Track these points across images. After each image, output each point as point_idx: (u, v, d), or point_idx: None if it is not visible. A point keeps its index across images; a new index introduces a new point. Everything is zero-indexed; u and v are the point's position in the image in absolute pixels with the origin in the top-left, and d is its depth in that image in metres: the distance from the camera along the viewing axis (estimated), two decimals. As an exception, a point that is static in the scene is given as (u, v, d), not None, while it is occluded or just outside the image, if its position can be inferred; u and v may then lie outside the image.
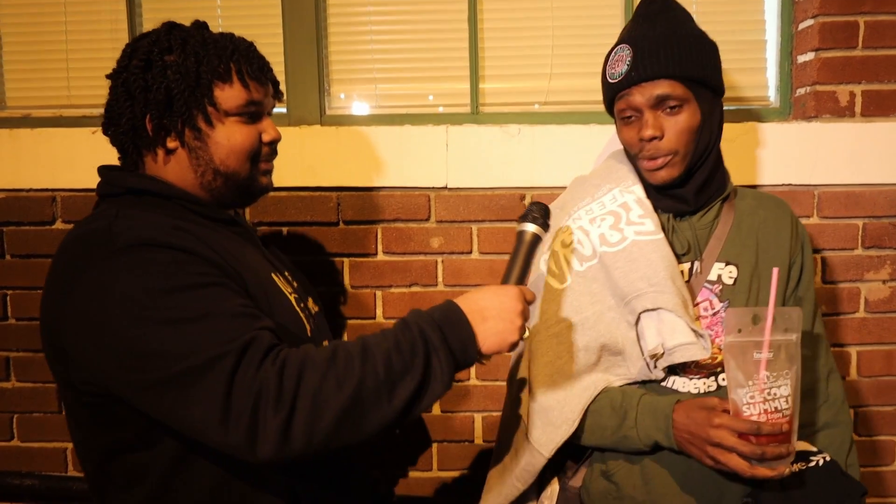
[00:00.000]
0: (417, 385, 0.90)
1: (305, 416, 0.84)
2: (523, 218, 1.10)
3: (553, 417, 1.19)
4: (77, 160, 1.66)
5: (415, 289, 1.70)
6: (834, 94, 1.65)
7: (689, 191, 1.22)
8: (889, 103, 1.64)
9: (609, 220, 1.22)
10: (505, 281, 1.06)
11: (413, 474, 1.74)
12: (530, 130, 1.64)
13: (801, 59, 1.70)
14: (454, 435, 1.72)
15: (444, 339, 0.93)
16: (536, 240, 1.09)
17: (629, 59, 1.16)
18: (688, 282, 1.21)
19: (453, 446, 1.73)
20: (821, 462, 1.15)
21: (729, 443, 1.02)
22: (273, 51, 1.13)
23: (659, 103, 1.15)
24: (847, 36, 1.63)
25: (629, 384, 1.21)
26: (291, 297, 1.11)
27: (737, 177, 1.62)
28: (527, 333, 1.02)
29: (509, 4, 1.75)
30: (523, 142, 1.64)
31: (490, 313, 0.97)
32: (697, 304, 1.20)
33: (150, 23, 1.78)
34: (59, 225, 1.69)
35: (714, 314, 1.20)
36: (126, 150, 1.07)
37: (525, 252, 1.08)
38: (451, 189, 1.67)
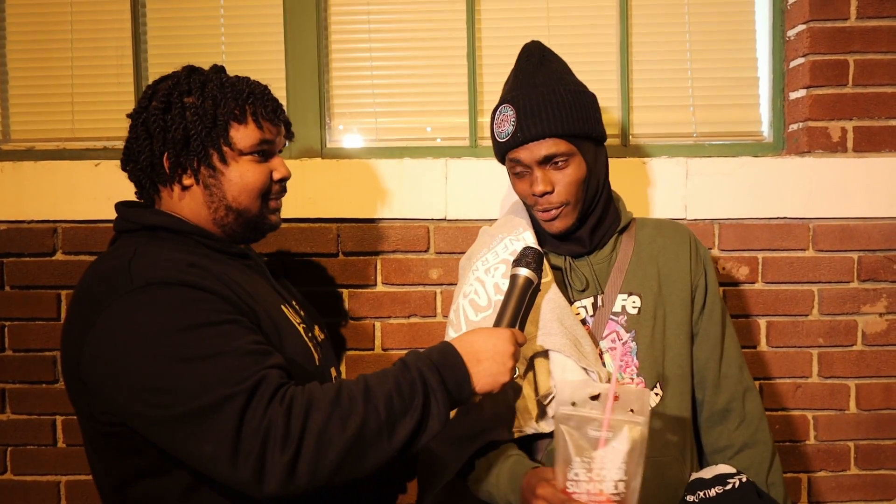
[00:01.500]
0: (416, 424, 0.94)
1: (310, 455, 0.88)
2: (517, 262, 1.13)
3: (437, 468, 1.22)
4: (79, 192, 1.67)
5: (414, 320, 1.70)
6: (826, 130, 1.68)
7: (584, 233, 1.27)
8: (880, 139, 1.68)
9: (501, 268, 1.27)
10: (497, 323, 1.09)
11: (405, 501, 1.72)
12: (528, 164, 1.66)
13: (794, 95, 1.73)
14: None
15: (442, 381, 0.96)
16: (529, 284, 1.12)
17: (513, 119, 1.20)
18: (592, 316, 1.25)
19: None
20: (737, 484, 1.16)
21: None
22: (276, 85, 1.17)
23: (546, 161, 1.20)
24: (837, 74, 1.67)
25: (521, 437, 1.21)
26: (300, 328, 1.14)
27: (732, 210, 1.66)
28: (517, 374, 1.05)
29: (508, 41, 1.79)
30: (522, 175, 1.66)
31: (484, 355, 1.01)
32: (605, 337, 1.23)
33: (154, 58, 1.81)
34: (59, 256, 1.70)
35: (623, 344, 1.23)
36: (143, 185, 1.12)
37: (517, 296, 1.11)
38: (450, 220, 1.69)
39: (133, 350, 0.90)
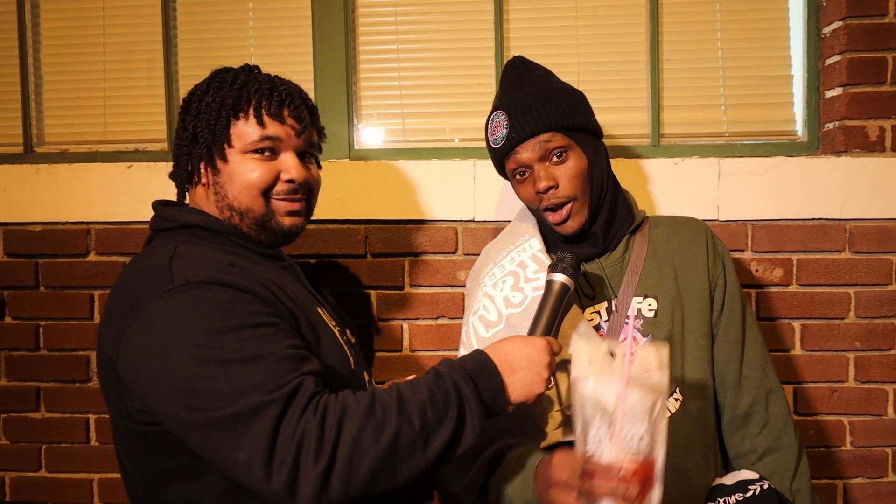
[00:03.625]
0: (451, 436, 0.92)
1: (344, 466, 0.86)
2: (552, 268, 1.10)
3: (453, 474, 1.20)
4: (112, 194, 1.69)
5: (442, 321, 1.69)
6: (863, 129, 1.64)
7: (598, 230, 1.24)
8: (920, 138, 1.63)
9: (510, 280, 1.25)
10: (532, 331, 1.07)
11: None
12: (557, 165, 1.65)
13: (829, 94, 1.70)
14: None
15: (477, 392, 0.94)
16: (566, 290, 1.08)
17: (506, 123, 1.21)
18: (607, 321, 1.22)
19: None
20: (757, 491, 1.13)
21: (561, 477, 0.97)
22: (304, 87, 1.16)
23: (545, 156, 1.19)
24: (875, 72, 1.63)
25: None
26: (335, 331, 1.12)
27: (766, 211, 1.63)
28: (551, 385, 1.02)
29: (536, 41, 1.78)
30: (550, 176, 1.65)
31: (519, 365, 0.98)
32: (621, 342, 1.18)
33: (185, 62, 1.83)
34: (92, 257, 1.72)
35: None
36: (179, 185, 1.15)
37: (553, 302, 1.07)
38: (478, 222, 1.68)
39: (170, 349, 0.89)
